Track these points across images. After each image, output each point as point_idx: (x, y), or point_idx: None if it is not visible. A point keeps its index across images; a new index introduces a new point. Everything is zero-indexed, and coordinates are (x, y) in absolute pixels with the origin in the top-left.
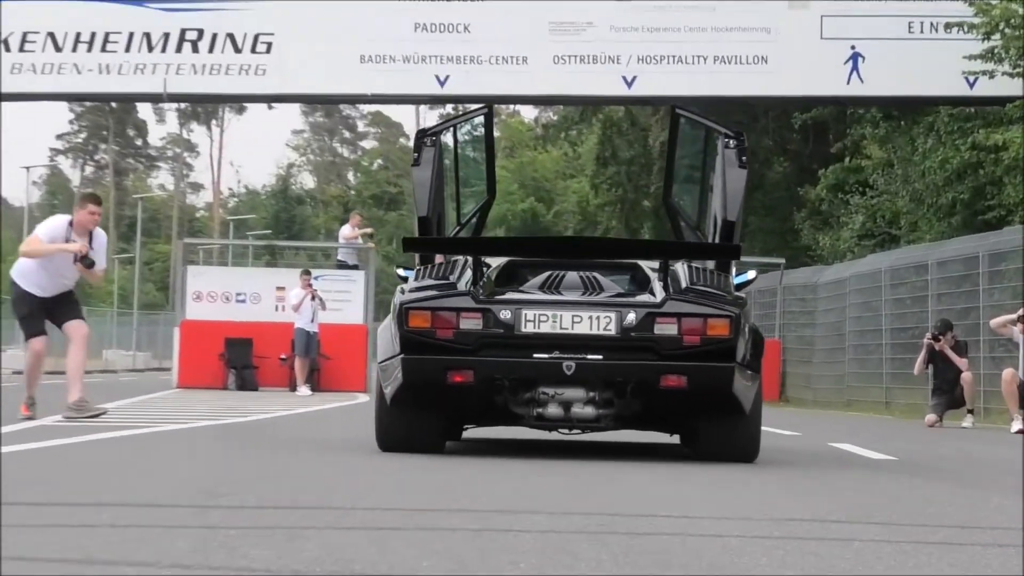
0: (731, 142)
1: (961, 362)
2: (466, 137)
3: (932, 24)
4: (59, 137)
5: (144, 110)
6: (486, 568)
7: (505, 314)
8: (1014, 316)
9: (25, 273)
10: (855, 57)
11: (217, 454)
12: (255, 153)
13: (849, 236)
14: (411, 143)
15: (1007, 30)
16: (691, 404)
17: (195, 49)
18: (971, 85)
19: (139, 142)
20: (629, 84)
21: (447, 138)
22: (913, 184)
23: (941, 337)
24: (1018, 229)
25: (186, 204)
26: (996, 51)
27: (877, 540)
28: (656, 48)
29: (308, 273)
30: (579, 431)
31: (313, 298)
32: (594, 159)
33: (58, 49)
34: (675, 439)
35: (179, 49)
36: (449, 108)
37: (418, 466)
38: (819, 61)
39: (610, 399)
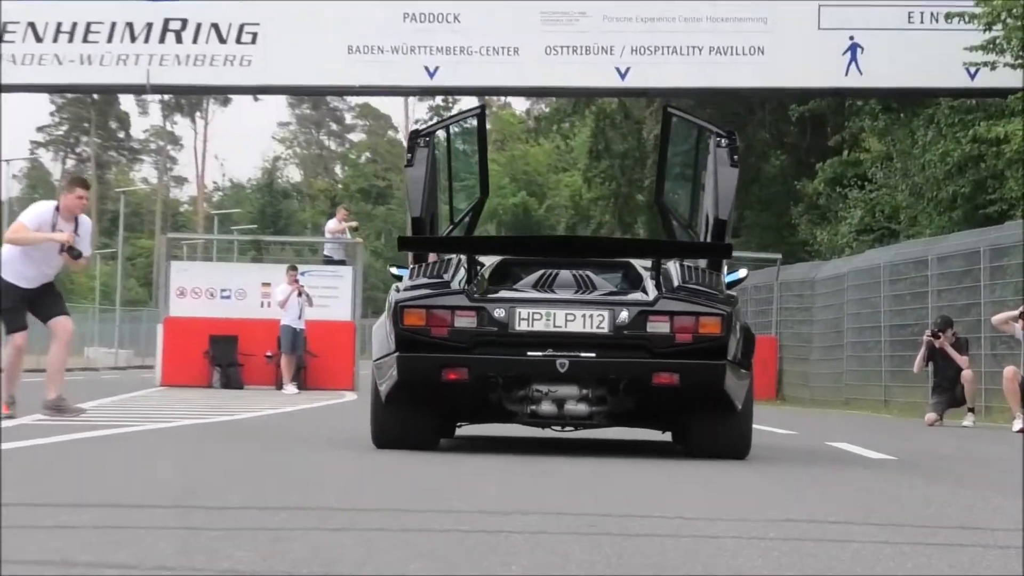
0: (723, 141)
1: (961, 360)
2: (458, 134)
3: (932, 14)
4: (40, 129)
5: (127, 102)
6: (476, 570)
7: (499, 312)
8: (1015, 312)
9: (8, 263)
10: (854, 48)
11: (201, 454)
12: (240, 146)
13: (847, 231)
14: (400, 135)
15: (1009, 20)
16: (683, 401)
17: (179, 39)
18: (972, 76)
19: (122, 135)
20: (623, 75)
21: (440, 138)
22: (913, 178)
23: (941, 334)
24: (1020, 224)
25: (170, 198)
26: (997, 42)
27: (876, 541)
28: (650, 39)
29: (295, 269)
30: (572, 428)
31: (300, 294)
32: (587, 152)
33: (39, 39)
34: (667, 436)
35: (162, 39)
36: (439, 100)
37: (407, 465)
38: (817, 52)
39: (603, 396)
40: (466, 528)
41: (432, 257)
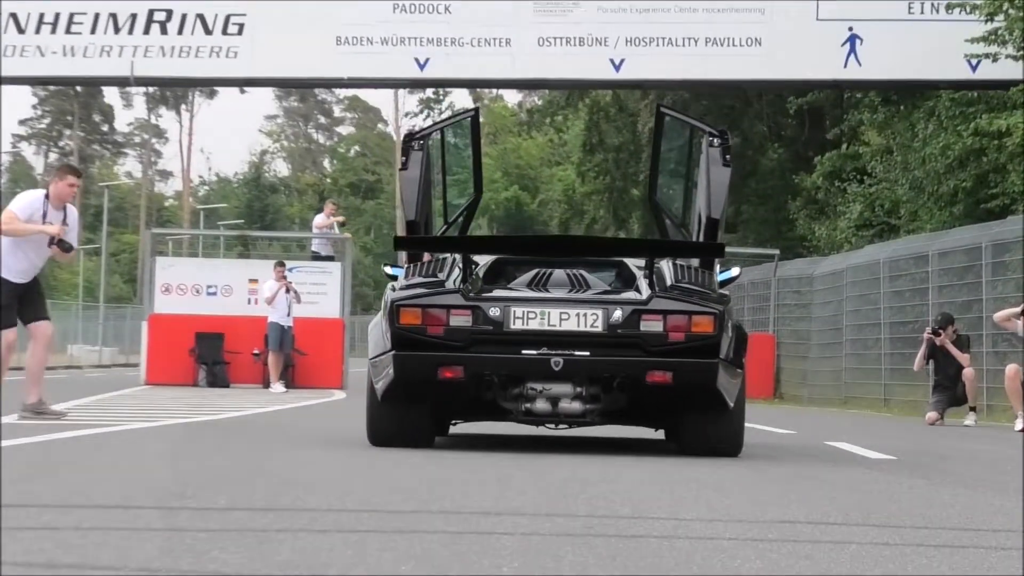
0: (715, 141)
1: (963, 357)
2: (452, 135)
3: (933, 5)
4: (22, 123)
5: (111, 94)
6: (467, 572)
7: (494, 311)
8: (1018, 309)
9: (10, 255)
10: (853, 39)
11: (186, 453)
12: (226, 139)
13: (846, 226)
14: (389, 129)
15: (1011, 11)
16: (676, 399)
17: (163, 30)
18: (973, 68)
19: (105, 128)
20: (617, 67)
21: (434, 139)
22: (913, 172)
23: (942, 331)
24: (1022, 218)
25: (154, 193)
26: (999, 33)
27: (875, 543)
28: (645, 29)
29: (282, 265)
30: (566, 426)
31: (287, 291)
32: (580, 146)
33: (20, 31)
34: (660, 434)
35: (147, 31)
36: (429, 92)
37: (397, 465)
38: (815, 43)
39: (597, 394)
40: (457, 529)
41: (426, 256)
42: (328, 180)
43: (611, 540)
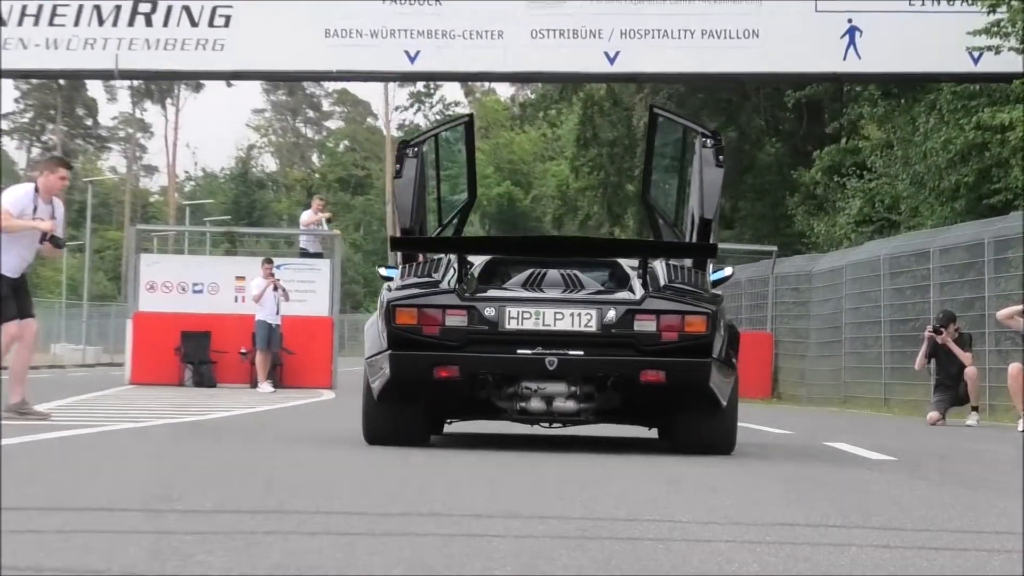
0: (708, 141)
1: (965, 356)
2: (447, 141)
3: None
4: (4, 116)
5: (94, 88)
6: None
7: (489, 311)
8: (1021, 307)
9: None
10: (852, 31)
11: (173, 455)
12: (213, 134)
13: (846, 222)
14: (379, 123)
15: (1014, 2)
16: (669, 398)
17: (148, 22)
18: (975, 61)
19: (89, 122)
20: (611, 60)
21: (428, 146)
22: (914, 166)
23: (944, 329)
24: None
25: (139, 188)
26: (1002, 25)
27: (875, 545)
28: (640, 21)
29: (270, 262)
30: (560, 425)
31: (275, 288)
32: (574, 140)
33: (2, 23)
34: (653, 433)
35: (131, 22)
36: (420, 86)
37: (388, 466)
38: (814, 35)
39: (591, 393)
40: (449, 532)
41: (421, 257)
42: (317, 175)
43: (606, 543)
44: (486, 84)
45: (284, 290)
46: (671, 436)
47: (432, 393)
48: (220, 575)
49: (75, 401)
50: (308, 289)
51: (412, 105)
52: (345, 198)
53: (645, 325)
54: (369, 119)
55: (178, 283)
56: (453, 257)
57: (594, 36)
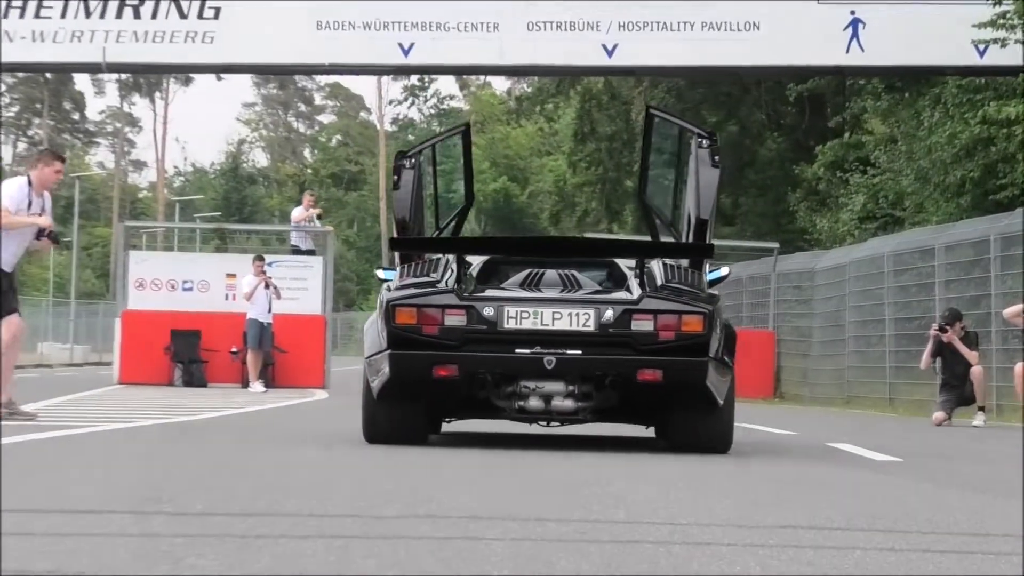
0: (704, 142)
1: (971, 355)
2: (444, 149)
3: None
4: None
5: (82, 81)
6: None
7: (488, 311)
8: None
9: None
10: (855, 23)
11: (162, 456)
12: (203, 128)
13: (849, 218)
14: (372, 117)
15: None
16: (667, 397)
17: (137, 15)
18: (981, 54)
19: (76, 116)
20: (609, 53)
21: (425, 156)
22: (918, 161)
23: (949, 328)
24: None
25: (128, 184)
26: (1008, 17)
27: (880, 548)
28: (639, 13)
29: (261, 259)
30: (558, 424)
31: (267, 286)
32: (572, 135)
33: None
34: (650, 431)
35: (119, 15)
36: (414, 79)
37: (382, 467)
38: (816, 27)
39: (589, 392)
40: (444, 535)
41: (419, 257)
42: (309, 171)
43: (605, 546)
44: (481, 78)
45: (276, 288)
46: (668, 435)
47: (431, 392)
48: None
49: (63, 401)
50: (300, 287)
51: (406, 99)
52: (338, 194)
53: (642, 324)
54: (362, 113)
55: (167, 281)
56: (451, 257)
57: (592, 28)
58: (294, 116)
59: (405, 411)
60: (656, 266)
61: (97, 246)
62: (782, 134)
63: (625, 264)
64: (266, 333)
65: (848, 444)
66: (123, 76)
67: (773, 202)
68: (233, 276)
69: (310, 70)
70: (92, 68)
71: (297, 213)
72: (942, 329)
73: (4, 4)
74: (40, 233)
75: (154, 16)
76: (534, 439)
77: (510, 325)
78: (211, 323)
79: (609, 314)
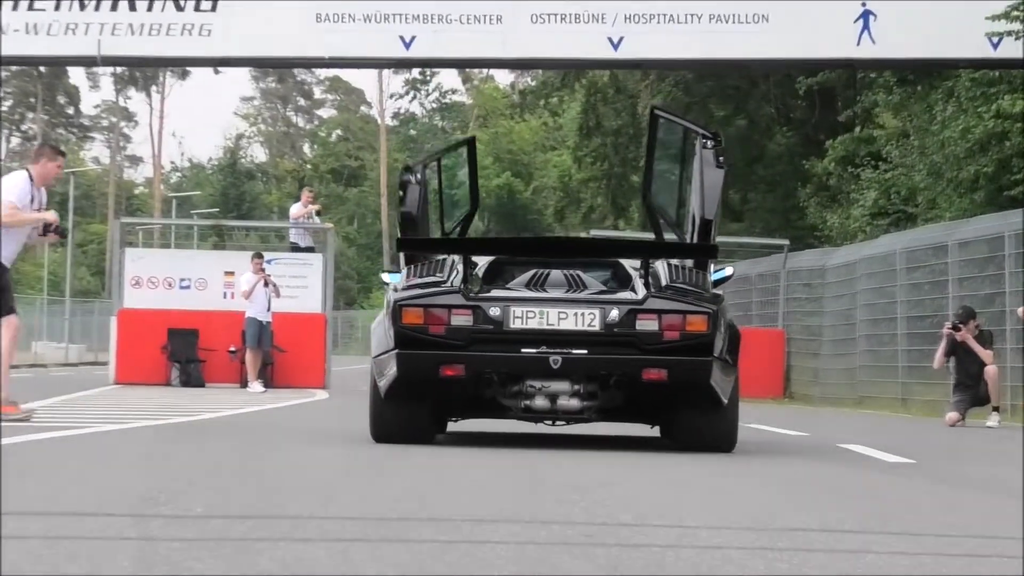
0: (708, 143)
1: (985, 354)
2: (449, 161)
3: None
4: None
5: (76, 75)
6: None
7: (494, 311)
8: None
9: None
10: (866, 15)
11: (160, 457)
12: (200, 123)
13: (860, 214)
14: (373, 111)
15: None
16: (671, 396)
17: (132, 7)
18: (995, 46)
19: (71, 110)
20: (615, 46)
21: (430, 169)
22: (931, 156)
23: (963, 326)
24: None
25: (123, 179)
26: (1022, 9)
27: (892, 552)
28: (645, 5)
29: (260, 256)
30: (564, 423)
31: (266, 284)
32: (577, 129)
33: None
34: (655, 431)
35: (114, 7)
36: (415, 72)
37: (384, 468)
38: (826, 20)
39: (594, 391)
40: (448, 538)
41: (425, 258)
42: (308, 166)
43: (612, 549)
44: (484, 71)
45: (275, 286)
46: (673, 434)
47: (438, 391)
48: None
49: (58, 401)
50: (300, 285)
51: (407, 93)
52: (338, 190)
53: (647, 324)
54: (363, 107)
55: (164, 279)
56: (457, 258)
57: (597, 20)
58: (293, 110)
59: (412, 410)
60: (661, 266)
61: (92, 243)
62: (792, 128)
63: (630, 264)
64: (265, 332)
65: (860, 445)
66: (118, 69)
67: (783, 198)
68: (231, 274)
69: (309, 63)
70: (87, 61)
71: (296, 209)
72: (955, 327)
73: None
74: (47, 228)
75: (150, 8)
76: (539, 438)
77: (516, 325)
78: (209, 322)
79: (614, 314)
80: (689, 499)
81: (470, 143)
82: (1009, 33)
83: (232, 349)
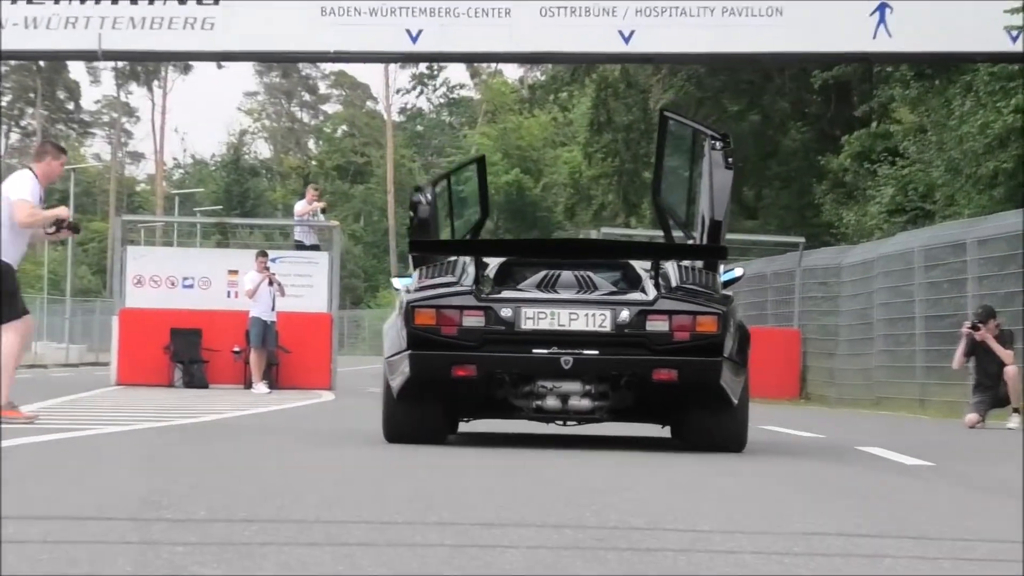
0: (717, 144)
1: (1006, 354)
2: (459, 179)
3: None
4: None
5: (77, 69)
6: None
7: (506, 312)
8: None
9: (11, 241)
10: (882, 8)
11: (162, 460)
12: (203, 119)
13: (877, 211)
14: (379, 106)
15: None
16: (681, 396)
17: (133, 0)
18: (1013, 40)
19: (71, 106)
20: (626, 39)
21: (440, 187)
22: (949, 152)
23: (982, 326)
24: None
25: (125, 176)
26: None
27: (911, 556)
28: None
29: (264, 255)
30: (575, 423)
31: (270, 283)
32: (587, 125)
33: None
34: (666, 431)
35: (115, 0)
36: (422, 67)
37: (391, 472)
38: (841, 12)
39: (605, 392)
40: (457, 542)
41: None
42: (313, 162)
43: (624, 553)
44: (493, 65)
45: (280, 285)
46: (683, 434)
47: (450, 392)
48: None
49: (59, 403)
50: (305, 283)
51: (414, 87)
52: (344, 187)
53: (658, 325)
54: (369, 102)
55: (167, 277)
56: (468, 259)
57: (608, 14)
58: (298, 105)
59: (424, 411)
60: (671, 267)
61: (93, 241)
62: (806, 124)
63: (640, 265)
64: (270, 332)
65: (877, 447)
66: (120, 64)
67: (798, 194)
68: (235, 272)
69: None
70: (87, 55)
71: (300, 207)
72: (975, 327)
73: None
74: (59, 225)
75: (151, 1)
76: (550, 439)
77: (527, 326)
78: (212, 321)
79: (625, 315)
80: (702, 502)
81: (480, 162)
82: None
83: (236, 349)
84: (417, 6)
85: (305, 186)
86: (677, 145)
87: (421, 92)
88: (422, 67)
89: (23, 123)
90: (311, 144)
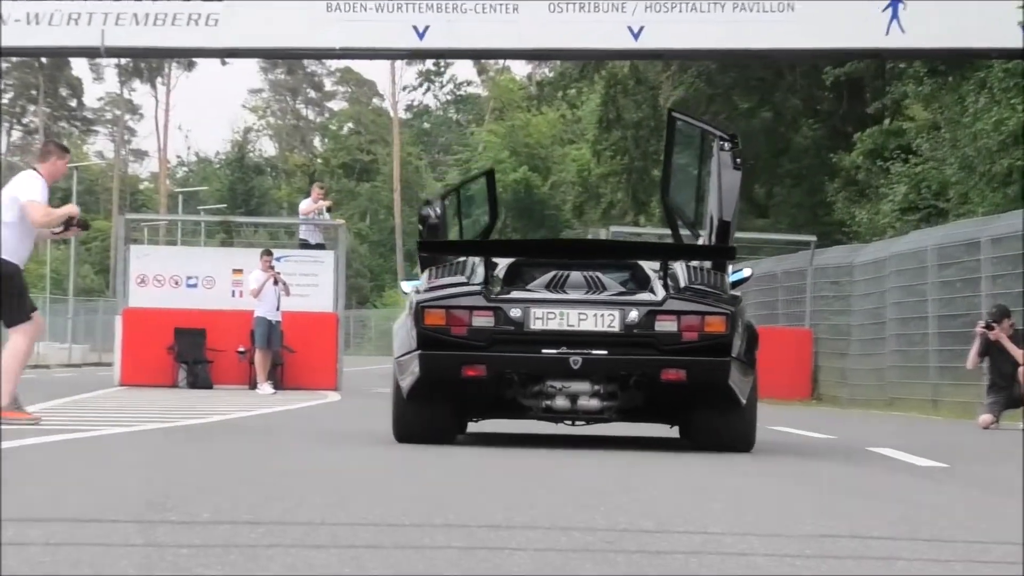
0: (726, 144)
1: (1020, 354)
2: (468, 191)
3: None
4: None
5: (79, 66)
6: None
7: (515, 312)
8: None
9: (19, 242)
10: (895, 3)
11: (166, 461)
12: (207, 116)
13: (890, 210)
14: (385, 103)
15: None
16: (690, 396)
17: None
18: None
19: (74, 103)
20: (636, 35)
21: (450, 200)
22: (963, 149)
23: (996, 325)
24: None
25: (128, 174)
26: None
27: (924, 559)
28: None
29: (269, 254)
30: (584, 423)
31: (275, 282)
32: (596, 122)
33: None
34: (675, 431)
35: None
36: (429, 64)
37: (398, 473)
38: (853, 8)
39: (614, 392)
40: (464, 545)
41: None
42: (319, 160)
43: (633, 556)
44: (500, 62)
45: (285, 284)
46: (691, 434)
47: (460, 392)
48: None
49: (62, 403)
50: (311, 283)
51: (421, 84)
52: (350, 185)
53: (666, 325)
54: (375, 99)
55: (170, 277)
56: (477, 260)
57: (617, 9)
58: (303, 103)
59: (434, 411)
60: (679, 268)
61: (96, 240)
62: (818, 121)
63: (648, 266)
64: (275, 332)
65: (890, 449)
66: (123, 61)
67: (809, 192)
68: (240, 272)
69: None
70: (90, 52)
71: (305, 205)
72: (989, 327)
73: None
74: (69, 222)
75: None
76: (559, 439)
77: (537, 326)
78: (217, 321)
79: (634, 315)
80: (713, 504)
81: (489, 174)
82: None
83: (241, 349)
84: (424, 2)
85: (310, 184)
86: (685, 145)
87: (428, 89)
88: (429, 64)
89: (25, 120)
90: (316, 142)
